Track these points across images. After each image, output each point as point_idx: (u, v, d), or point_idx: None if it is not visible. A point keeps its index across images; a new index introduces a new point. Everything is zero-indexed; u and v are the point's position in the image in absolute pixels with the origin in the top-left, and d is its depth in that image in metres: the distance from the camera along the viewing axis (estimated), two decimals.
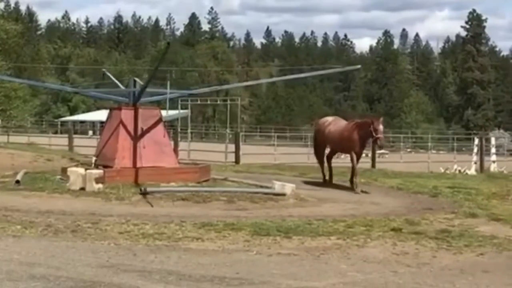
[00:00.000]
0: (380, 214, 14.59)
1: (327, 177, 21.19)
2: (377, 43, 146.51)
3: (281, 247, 10.65)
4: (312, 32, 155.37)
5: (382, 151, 48.33)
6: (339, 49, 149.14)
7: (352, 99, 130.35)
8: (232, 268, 9.03)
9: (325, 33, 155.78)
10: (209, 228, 11.91)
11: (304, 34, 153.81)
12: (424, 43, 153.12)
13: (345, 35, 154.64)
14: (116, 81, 21.41)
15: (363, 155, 22.04)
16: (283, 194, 16.51)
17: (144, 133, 18.53)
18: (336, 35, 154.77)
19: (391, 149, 53.58)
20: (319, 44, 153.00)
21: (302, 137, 63.92)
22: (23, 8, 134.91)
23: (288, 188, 16.74)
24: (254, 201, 15.89)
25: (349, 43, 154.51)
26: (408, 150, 58.40)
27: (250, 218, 13.47)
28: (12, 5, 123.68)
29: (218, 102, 58.21)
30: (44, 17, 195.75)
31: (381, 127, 19.43)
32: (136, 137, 18.43)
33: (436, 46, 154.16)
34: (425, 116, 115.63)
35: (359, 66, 29.57)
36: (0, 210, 13.62)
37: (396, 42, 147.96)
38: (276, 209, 15.17)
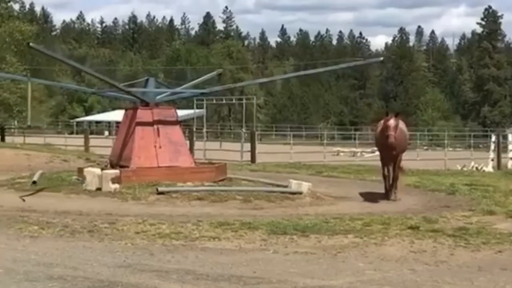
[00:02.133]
0: (397, 212, 14.54)
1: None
2: (393, 40, 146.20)
3: (298, 245, 10.62)
4: (327, 30, 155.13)
5: None
6: (354, 47, 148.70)
7: (368, 97, 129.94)
8: (249, 267, 9.01)
9: (340, 31, 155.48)
10: (226, 227, 11.90)
11: (319, 32, 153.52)
12: (439, 40, 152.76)
13: (360, 33, 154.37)
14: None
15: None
16: (300, 193, 16.48)
17: (159, 132, 18.54)
18: (351, 33, 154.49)
19: (407, 147, 53.35)
20: (334, 42, 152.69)
21: (318, 136, 63.87)
22: (38, 9, 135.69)
23: (305, 186, 16.70)
24: (270, 200, 15.86)
25: (364, 41, 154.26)
26: (425, 147, 58.15)
27: (267, 217, 13.45)
28: (27, 6, 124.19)
29: (234, 101, 58.19)
30: (59, 18, 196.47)
31: (391, 122, 17.16)
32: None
33: (452, 43, 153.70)
34: (441, 113, 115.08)
35: (381, 58, 29.23)
36: (17, 211, 13.69)
37: (412, 40, 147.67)
38: (293, 208, 15.15)
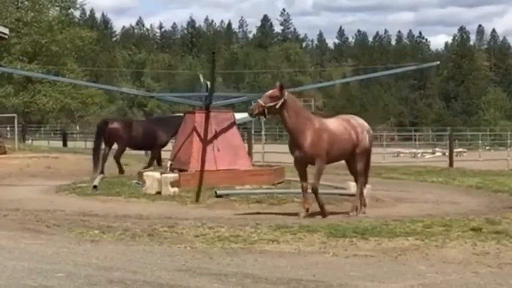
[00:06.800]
0: (459, 214, 14.31)
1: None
2: (453, 39, 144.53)
3: (357, 248, 10.50)
4: (386, 31, 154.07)
5: (459, 149, 47.56)
6: (414, 47, 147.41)
7: (428, 98, 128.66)
8: (308, 271, 8.93)
9: (399, 31, 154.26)
10: (285, 230, 11.83)
11: (377, 33, 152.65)
12: (501, 39, 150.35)
13: (420, 33, 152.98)
14: None
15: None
16: None
17: (218, 136, 18.59)
18: (410, 33, 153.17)
19: (469, 147, 52.72)
20: (393, 42, 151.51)
21: (377, 137, 63.39)
22: (98, 15, 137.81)
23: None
24: (329, 202, 15.77)
25: (424, 40, 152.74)
26: (487, 148, 57.38)
27: (326, 219, 13.35)
28: (88, 12, 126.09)
29: None
30: (119, 24, 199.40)
31: (268, 93, 14.17)
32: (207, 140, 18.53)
33: None
34: (503, 113, 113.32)
35: (437, 62, 28.65)
36: (79, 215, 13.84)
37: (473, 39, 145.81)
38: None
